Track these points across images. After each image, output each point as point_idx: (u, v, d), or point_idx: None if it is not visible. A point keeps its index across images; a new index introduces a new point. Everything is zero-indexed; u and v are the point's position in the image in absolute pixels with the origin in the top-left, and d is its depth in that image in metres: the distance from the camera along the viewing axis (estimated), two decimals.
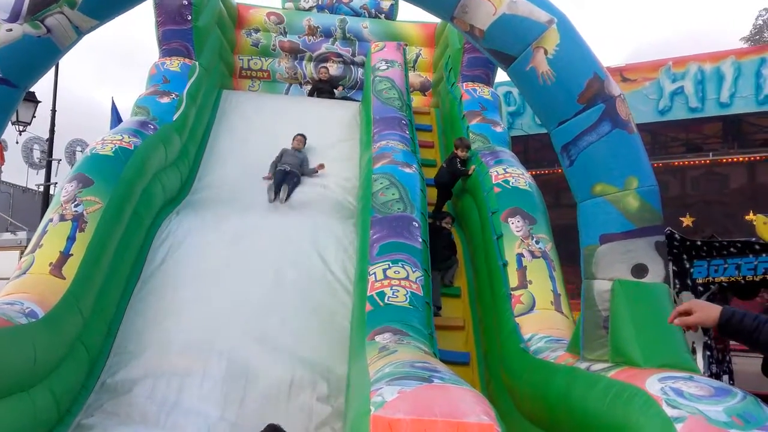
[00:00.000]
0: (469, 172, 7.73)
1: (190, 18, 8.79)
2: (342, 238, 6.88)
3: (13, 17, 3.77)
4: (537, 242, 6.22)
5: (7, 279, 5.28)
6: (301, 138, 8.50)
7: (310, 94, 10.17)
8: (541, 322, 5.42)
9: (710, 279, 8.20)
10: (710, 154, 12.87)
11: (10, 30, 3.76)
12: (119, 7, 4.05)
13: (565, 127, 3.85)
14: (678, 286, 8.14)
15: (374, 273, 5.56)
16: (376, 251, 5.80)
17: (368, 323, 5.05)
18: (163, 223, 6.96)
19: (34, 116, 13.16)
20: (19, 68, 3.87)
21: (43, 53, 3.94)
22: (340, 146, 8.91)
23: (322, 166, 8.23)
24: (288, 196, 7.79)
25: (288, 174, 7.95)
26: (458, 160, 7.91)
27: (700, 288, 8.22)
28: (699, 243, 8.10)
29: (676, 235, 8.05)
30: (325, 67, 10.75)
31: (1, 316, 4.24)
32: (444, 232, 7.44)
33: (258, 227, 6.94)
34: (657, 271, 3.76)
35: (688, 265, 8.12)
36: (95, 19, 3.95)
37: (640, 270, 3.74)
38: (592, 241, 3.85)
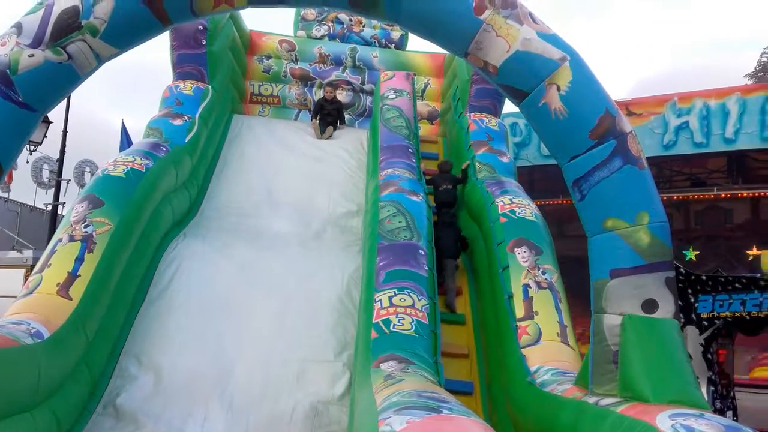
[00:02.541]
0: (463, 167, 8.26)
1: (204, 43, 8.92)
2: (348, 265, 6.89)
3: (36, 43, 3.84)
4: (543, 273, 6.22)
5: (13, 297, 5.28)
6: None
7: (314, 115, 10.09)
8: (548, 354, 5.41)
9: (715, 314, 8.19)
10: (714, 188, 12.92)
11: (32, 55, 3.82)
12: (140, 36, 4.12)
13: (577, 162, 3.90)
14: (683, 320, 8.12)
15: (380, 300, 5.57)
16: (383, 278, 5.81)
17: (373, 350, 5.04)
18: (170, 245, 6.98)
19: (45, 136, 13.27)
20: (39, 93, 3.92)
21: (63, 79, 3.99)
22: (346, 172, 8.97)
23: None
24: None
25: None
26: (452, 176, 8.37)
27: (705, 323, 8.21)
28: (704, 277, 8.10)
29: (681, 269, 8.06)
30: (332, 85, 10.75)
31: (7, 335, 4.24)
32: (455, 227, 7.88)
33: (264, 253, 6.95)
34: (667, 307, 3.78)
35: (693, 300, 8.11)
36: (116, 47, 4.02)
37: (650, 305, 3.75)
38: (602, 275, 3.87)
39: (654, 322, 3.74)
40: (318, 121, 9.81)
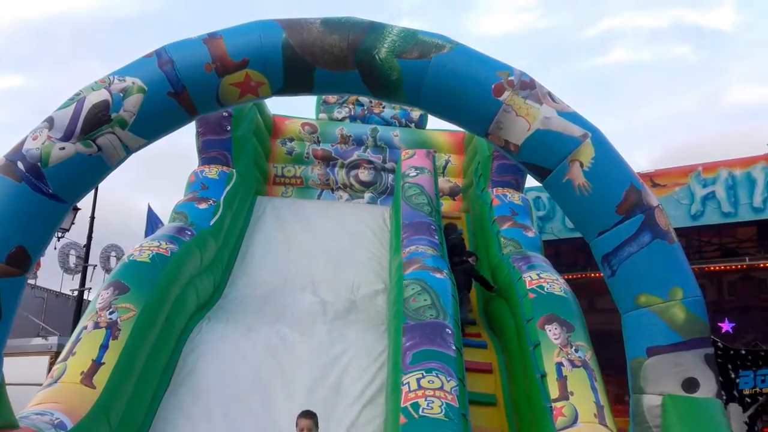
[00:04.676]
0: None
1: (229, 128, 9.19)
2: (373, 349, 6.76)
3: (67, 136, 3.96)
4: (576, 350, 6.03)
5: (37, 384, 5.25)
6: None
7: None
8: None
9: (757, 390, 7.85)
10: (746, 258, 12.65)
11: (63, 148, 3.93)
12: (168, 127, 4.25)
13: (605, 238, 3.86)
14: (725, 397, 7.77)
15: (408, 383, 5.42)
16: (410, 359, 5.67)
17: None
18: (194, 329, 6.94)
19: (73, 223, 13.55)
20: (70, 185, 4.02)
21: (93, 170, 4.10)
22: (369, 250, 8.96)
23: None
24: None
25: None
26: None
27: (748, 399, 7.86)
28: (743, 352, 7.81)
29: (719, 344, 7.79)
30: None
31: (31, 427, 4.19)
32: (467, 265, 8.02)
33: (288, 339, 6.87)
34: (708, 386, 3.63)
35: (733, 375, 7.80)
36: (144, 138, 4.14)
37: (691, 384, 3.62)
38: (639, 353, 3.75)
39: (697, 403, 3.59)
40: None
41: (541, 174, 4.03)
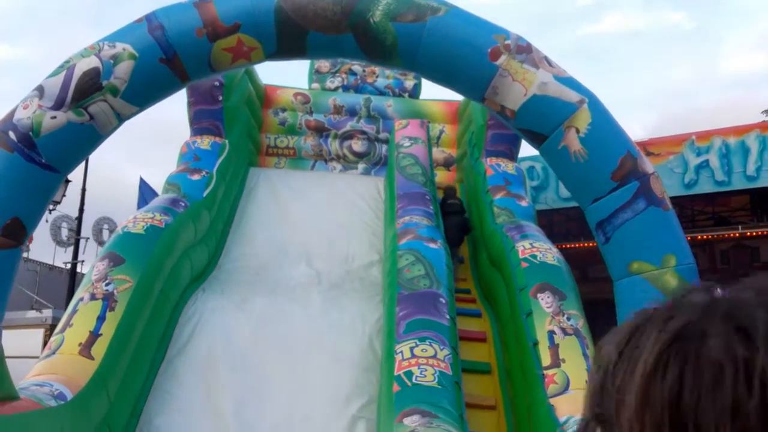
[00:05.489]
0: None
1: (220, 98, 9.08)
2: (369, 316, 6.80)
3: (58, 105, 3.90)
4: (568, 319, 6.08)
5: (32, 357, 5.26)
6: None
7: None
8: (577, 404, 5.21)
9: None
10: (739, 227, 12.71)
11: (54, 117, 3.88)
12: (160, 94, 4.18)
13: (600, 205, 3.85)
14: None
15: (401, 351, 5.46)
16: (403, 329, 5.71)
17: (396, 404, 4.92)
18: (189, 300, 6.95)
19: (64, 195, 13.47)
20: (62, 154, 3.97)
21: (86, 139, 4.04)
22: (364, 221, 8.96)
23: None
24: None
25: None
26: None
27: None
28: None
29: None
30: None
31: (31, 398, 4.20)
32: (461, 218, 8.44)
33: (284, 307, 6.89)
34: None
35: None
36: (136, 106, 4.08)
37: None
38: None
39: None
40: None
41: (536, 140, 4.01)
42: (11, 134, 3.87)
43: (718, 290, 0.55)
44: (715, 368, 0.47)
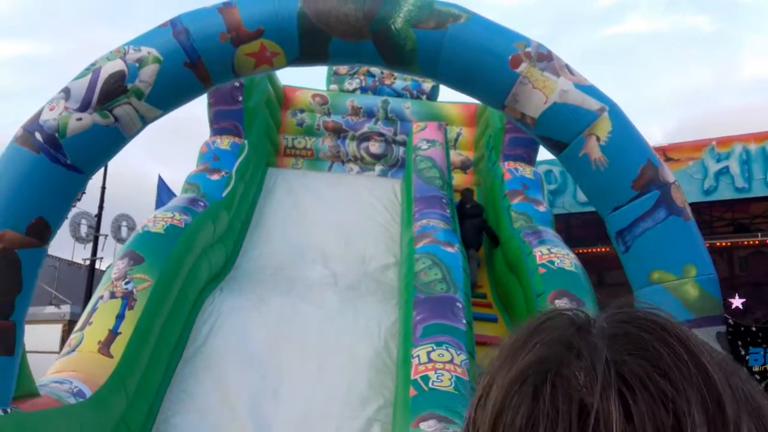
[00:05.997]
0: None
1: (240, 99, 9.15)
2: (385, 319, 6.81)
3: (84, 107, 3.96)
4: None
5: (50, 352, 5.33)
6: None
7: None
8: None
9: (767, 367, 7.84)
10: (759, 234, 12.56)
11: (80, 119, 3.94)
12: (183, 97, 4.23)
13: (620, 213, 3.83)
14: None
15: (418, 356, 5.46)
16: (420, 333, 5.71)
17: (412, 409, 4.91)
18: (206, 300, 7.00)
19: (83, 192, 13.60)
20: (87, 155, 4.03)
21: (110, 141, 4.10)
22: (380, 223, 8.97)
23: None
24: None
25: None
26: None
27: (757, 377, 7.85)
28: (754, 329, 7.78)
29: (729, 320, 7.75)
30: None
31: (51, 395, 4.26)
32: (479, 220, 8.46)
33: (300, 307, 6.92)
34: None
35: (743, 353, 7.77)
36: (160, 109, 4.13)
37: None
38: None
39: None
40: None
41: (557, 147, 4.00)
42: (37, 135, 3.93)
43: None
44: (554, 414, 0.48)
